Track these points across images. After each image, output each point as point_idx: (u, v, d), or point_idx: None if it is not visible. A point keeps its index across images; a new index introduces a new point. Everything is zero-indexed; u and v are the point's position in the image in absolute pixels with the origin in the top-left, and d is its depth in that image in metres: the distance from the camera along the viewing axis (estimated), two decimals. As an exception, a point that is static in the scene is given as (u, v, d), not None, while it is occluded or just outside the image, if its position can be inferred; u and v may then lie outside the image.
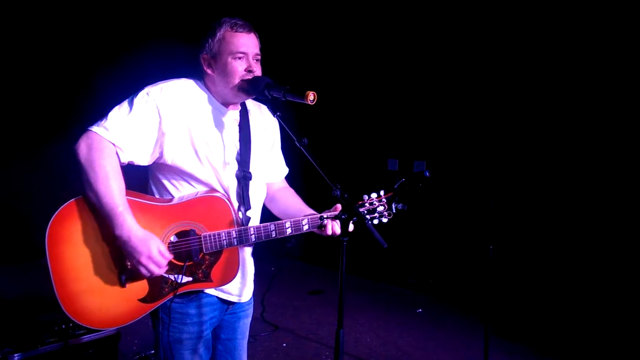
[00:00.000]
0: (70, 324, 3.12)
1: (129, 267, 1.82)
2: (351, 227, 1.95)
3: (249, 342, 4.08)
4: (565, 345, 4.13)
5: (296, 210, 2.10)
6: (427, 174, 2.21)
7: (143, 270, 1.78)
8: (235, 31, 1.91)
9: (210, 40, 1.92)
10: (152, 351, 3.66)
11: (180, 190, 1.94)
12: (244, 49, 1.91)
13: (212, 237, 1.89)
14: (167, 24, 5.32)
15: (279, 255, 6.52)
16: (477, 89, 5.07)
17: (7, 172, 4.66)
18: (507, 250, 4.42)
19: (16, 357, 2.86)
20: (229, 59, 1.90)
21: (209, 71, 1.95)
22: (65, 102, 4.77)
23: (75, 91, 4.81)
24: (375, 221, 2.11)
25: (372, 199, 2.12)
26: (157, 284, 1.87)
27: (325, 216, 2.00)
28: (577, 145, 4.48)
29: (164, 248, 1.81)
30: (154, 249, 1.77)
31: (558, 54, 4.52)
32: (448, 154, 5.25)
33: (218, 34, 1.91)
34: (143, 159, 1.88)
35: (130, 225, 1.76)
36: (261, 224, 1.97)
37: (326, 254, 6.14)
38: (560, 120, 4.57)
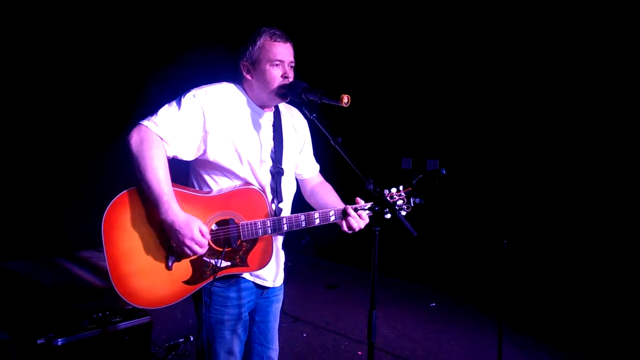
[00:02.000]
0: (107, 312, 3.32)
1: (175, 249, 2.00)
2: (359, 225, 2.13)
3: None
4: (579, 339, 4.21)
5: (332, 205, 2.29)
6: (444, 171, 2.39)
7: (187, 251, 1.96)
8: (274, 40, 2.10)
9: (250, 48, 2.11)
10: (182, 339, 3.86)
11: (219, 184, 2.13)
12: (281, 57, 2.10)
13: (249, 226, 2.07)
14: (211, 32, 5.64)
15: (294, 251, 6.69)
16: (489, 86, 5.16)
17: (56, 173, 4.90)
18: (521, 244, 4.51)
19: (60, 342, 3.05)
20: (267, 66, 2.09)
21: (248, 77, 2.14)
22: (120, 104, 5.06)
23: (130, 92, 5.10)
24: None
25: (392, 193, 2.30)
26: (200, 267, 2.05)
27: (354, 207, 2.18)
28: (592, 140, 4.55)
29: (205, 229, 1.99)
30: (195, 231, 1.95)
31: (575, 49, 4.59)
32: (461, 152, 5.36)
33: (258, 43, 2.10)
34: (187, 154, 2.07)
35: (175, 210, 1.95)
36: (292, 215, 2.16)
37: (339, 251, 6.31)
38: (575, 115, 4.64)
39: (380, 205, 1.92)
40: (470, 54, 5.29)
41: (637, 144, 4.32)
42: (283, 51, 2.11)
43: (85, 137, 5.04)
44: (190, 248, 1.96)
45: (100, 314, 3.30)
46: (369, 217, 2.19)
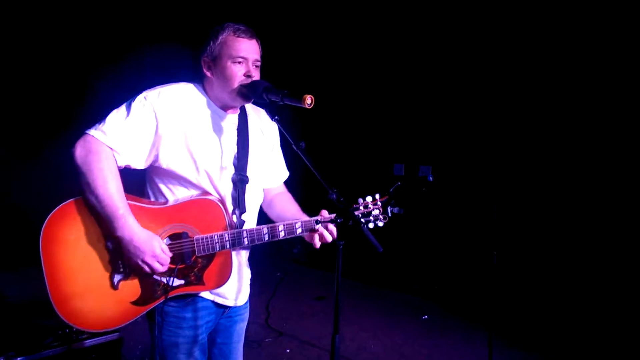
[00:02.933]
0: (75, 329, 3.15)
1: (129, 267, 1.83)
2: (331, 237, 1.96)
3: (252, 347, 4.12)
4: (572, 352, 4.06)
5: (291, 216, 2.10)
6: (431, 178, 2.21)
7: (146, 268, 1.81)
8: (237, 36, 1.93)
9: (212, 43, 1.94)
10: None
11: (175, 194, 1.95)
12: (244, 54, 1.92)
13: (204, 240, 1.89)
14: (167, 28, 5.35)
15: (285, 260, 6.51)
16: (481, 93, 5.04)
17: (8, 174, 4.70)
18: (512, 256, 4.37)
19: (19, 361, 2.89)
20: (229, 63, 1.91)
21: (208, 74, 1.96)
22: (64, 105, 4.80)
23: (75, 93, 4.84)
24: (371, 225, 2.10)
25: (367, 202, 2.10)
26: (150, 287, 1.87)
27: (319, 219, 2.00)
28: (582, 149, 4.44)
29: (165, 246, 1.84)
30: (157, 248, 1.81)
31: (561, 57, 4.48)
32: (454, 159, 5.22)
33: (220, 38, 1.93)
34: (139, 163, 1.90)
35: (132, 226, 1.79)
36: (254, 227, 1.97)
37: (332, 260, 6.12)
38: (564, 124, 4.53)
39: (343, 217, 1.74)
40: (463, 61, 5.16)
41: (628, 152, 4.17)
42: (247, 48, 1.93)
43: (41, 138, 4.74)
44: (150, 266, 1.80)
45: (67, 330, 3.14)
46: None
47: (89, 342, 3.16)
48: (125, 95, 1.94)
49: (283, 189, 2.30)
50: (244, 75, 1.92)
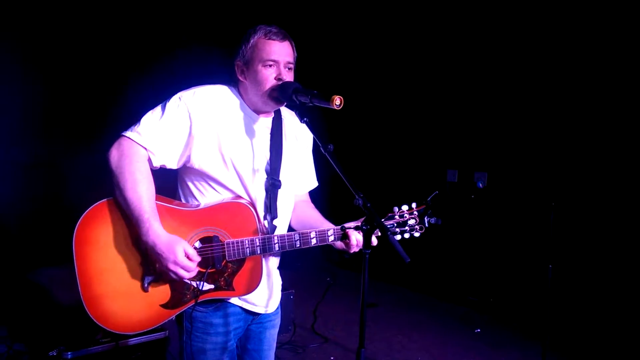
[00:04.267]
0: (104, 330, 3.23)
1: (157, 271, 1.83)
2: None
3: (298, 352, 4.10)
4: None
5: (314, 222, 2.06)
6: (480, 185, 2.08)
7: (172, 275, 1.79)
8: (269, 39, 1.89)
9: (244, 47, 1.92)
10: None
11: (205, 196, 1.94)
12: (275, 57, 1.88)
13: (235, 245, 1.86)
14: (203, 30, 5.40)
15: (337, 266, 6.44)
16: (542, 95, 4.77)
17: (65, 172, 4.87)
18: (568, 269, 4.10)
19: (69, 355, 3.01)
20: (260, 67, 1.88)
21: (241, 78, 1.94)
22: (101, 107, 4.92)
23: (112, 96, 4.96)
24: (406, 235, 2.01)
25: (403, 211, 2.01)
26: (180, 290, 1.87)
27: (349, 225, 1.92)
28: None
29: (192, 251, 1.80)
30: (179, 254, 1.77)
31: (628, 63, 4.18)
32: (509, 166, 4.97)
33: (252, 41, 1.90)
34: (172, 162, 1.90)
35: (156, 231, 1.77)
36: (285, 233, 1.93)
37: (384, 267, 6.00)
38: (629, 131, 4.22)
39: (369, 224, 1.65)
40: (523, 61, 4.91)
41: None
42: (278, 50, 1.89)
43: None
44: (175, 273, 1.78)
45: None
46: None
47: (134, 340, 3.25)
48: (163, 96, 1.94)
49: (306, 197, 2.25)
50: (275, 78, 1.89)
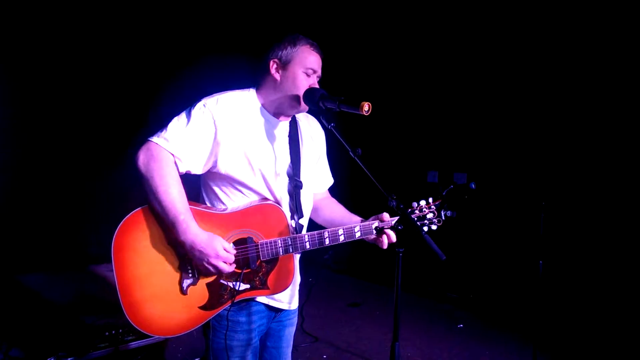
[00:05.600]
0: (120, 330, 3.20)
1: (197, 271, 1.87)
2: (393, 237, 1.97)
3: (290, 352, 4.12)
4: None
5: (341, 218, 2.15)
6: (473, 186, 2.20)
7: (213, 270, 1.85)
8: (313, 49, 2.01)
9: (288, 48, 1.99)
10: (197, 359, 3.71)
11: (232, 199, 1.99)
12: (315, 67, 1.99)
13: (269, 245, 1.92)
14: (221, 39, 5.53)
15: (316, 266, 6.51)
16: (522, 95, 4.95)
17: (68, 181, 4.83)
18: (558, 265, 4.27)
19: (69, 361, 2.96)
20: (300, 71, 1.97)
21: (275, 76, 2.00)
22: (132, 112, 4.97)
23: (142, 102, 5.00)
24: (425, 228, 2.11)
25: (422, 206, 2.12)
26: (217, 291, 1.90)
27: (379, 226, 2.00)
28: (636, 154, 4.30)
29: (228, 245, 1.87)
30: (219, 248, 1.84)
31: (618, 60, 4.37)
32: (491, 165, 5.15)
33: (298, 46, 1.99)
34: (198, 168, 1.94)
35: (194, 230, 1.82)
36: (315, 231, 1.99)
37: (364, 266, 6.11)
38: (615, 129, 4.41)
39: (404, 224, 1.74)
40: (503, 63, 5.09)
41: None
42: (318, 62, 2.02)
43: (102, 146, 4.94)
44: (215, 267, 1.84)
45: (113, 332, 3.20)
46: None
47: (134, 344, 3.23)
48: (185, 102, 1.98)
49: (327, 194, 2.35)
50: (309, 86, 1.98)
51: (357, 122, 6.23)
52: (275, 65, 2.00)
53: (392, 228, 1.96)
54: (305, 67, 1.97)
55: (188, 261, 1.87)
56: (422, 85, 5.75)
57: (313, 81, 2.00)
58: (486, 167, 5.20)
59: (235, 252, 1.89)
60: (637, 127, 4.30)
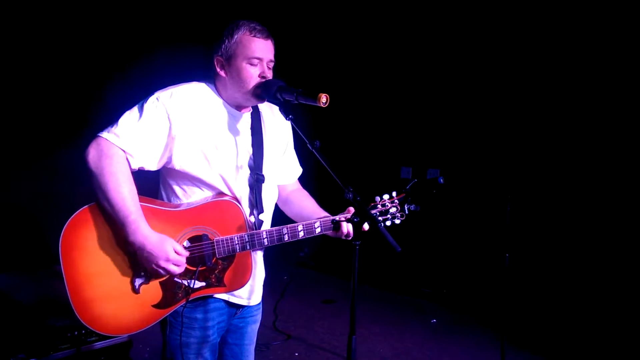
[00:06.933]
0: (83, 331, 3.13)
1: (147, 271, 1.82)
2: (366, 227, 1.93)
3: (261, 350, 4.10)
4: (585, 357, 4.02)
5: (310, 213, 2.09)
6: (442, 180, 2.19)
7: (162, 273, 1.80)
8: (254, 36, 1.90)
9: (226, 42, 1.91)
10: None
11: (189, 195, 1.94)
12: (260, 55, 1.90)
13: (224, 242, 1.88)
14: (176, 27, 5.31)
15: (292, 263, 6.48)
16: (491, 93, 5.00)
17: (22, 177, 4.67)
18: (524, 258, 4.33)
19: (30, 363, 2.88)
20: (244, 64, 1.89)
21: (221, 73, 1.93)
22: (78, 107, 4.75)
23: (88, 95, 4.79)
24: (388, 222, 2.09)
25: (385, 200, 2.09)
26: (171, 290, 1.86)
27: (337, 219, 1.98)
28: (596, 148, 4.37)
29: (179, 247, 1.82)
30: (170, 251, 1.79)
31: (576, 54, 4.44)
32: (463, 161, 5.18)
33: (235, 37, 1.90)
34: (152, 164, 1.89)
35: (144, 230, 1.77)
36: (274, 228, 1.96)
37: (339, 263, 6.09)
38: (578, 123, 4.49)
39: (360, 216, 1.71)
40: (471, 61, 5.14)
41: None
42: (262, 48, 1.91)
43: (63, 139, 4.71)
44: (166, 269, 1.79)
45: (75, 333, 3.12)
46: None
47: (98, 345, 3.15)
48: (137, 95, 1.92)
49: (298, 185, 2.29)
50: (259, 76, 1.90)
51: (329, 117, 6.25)
52: (219, 63, 1.93)
53: (348, 221, 1.92)
54: (247, 57, 1.88)
55: (138, 259, 1.82)
56: (396, 82, 5.75)
57: (262, 69, 1.90)
58: (458, 163, 5.23)
59: (187, 253, 1.84)
60: (602, 118, 4.37)
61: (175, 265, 1.79)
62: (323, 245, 6.28)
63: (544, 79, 4.67)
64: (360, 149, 6.09)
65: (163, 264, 1.77)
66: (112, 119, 1.86)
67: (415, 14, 5.47)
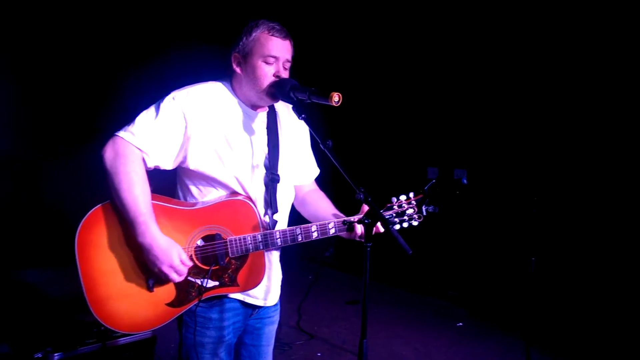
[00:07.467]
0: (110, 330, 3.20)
1: (150, 271, 1.84)
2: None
3: (284, 350, 4.12)
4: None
5: (326, 214, 2.07)
6: (465, 181, 2.13)
7: (163, 278, 1.82)
8: (271, 35, 1.90)
9: (244, 39, 1.92)
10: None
11: (205, 195, 1.95)
12: (276, 53, 1.90)
13: (237, 241, 1.88)
14: (193, 28, 5.36)
15: (317, 263, 6.48)
16: (519, 92, 4.87)
17: (55, 173, 4.78)
18: (551, 262, 4.19)
19: (56, 357, 2.95)
20: (259, 62, 1.89)
21: (238, 70, 1.94)
22: (95, 106, 4.84)
23: (106, 95, 4.86)
24: (405, 224, 2.04)
25: (401, 202, 2.04)
26: (184, 289, 1.88)
27: (348, 220, 1.95)
28: (631, 151, 4.20)
29: (185, 256, 1.84)
30: (175, 258, 1.80)
31: (614, 54, 4.27)
32: (490, 162, 5.07)
33: (254, 34, 1.91)
34: (168, 163, 1.90)
35: (153, 233, 1.79)
36: (287, 228, 1.95)
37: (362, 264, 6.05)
38: (608, 125, 4.33)
39: (371, 217, 1.68)
40: (500, 58, 5.01)
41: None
42: (279, 47, 1.91)
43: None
44: (166, 275, 1.81)
45: (102, 328, 3.18)
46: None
47: (122, 340, 3.22)
48: (155, 95, 1.94)
49: (314, 186, 2.27)
50: (274, 75, 1.90)
51: (355, 117, 6.21)
52: (236, 60, 1.94)
53: (359, 222, 1.89)
54: (263, 55, 1.88)
55: (144, 260, 1.84)
56: (422, 82, 5.68)
57: (277, 69, 1.90)
58: (485, 164, 5.12)
59: (191, 264, 1.85)
60: (631, 123, 4.20)
61: (176, 273, 1.81)
62: (348, 246, 6.26)
63: (576, 77, 4.51)
64: (386, 149, 6.04)
65: (165, 269, 1.79)
66: (129, 118, 1.89)
67: (447, 16, 5.38)
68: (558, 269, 4.48)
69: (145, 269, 1.84)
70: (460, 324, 4.74)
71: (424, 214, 2.08)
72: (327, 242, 6.74)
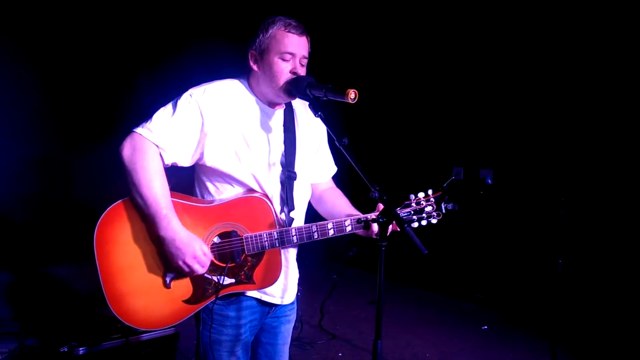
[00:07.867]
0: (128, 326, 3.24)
1: (174, 267, 1.85)
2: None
3: (305, 349, 4.11)
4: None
5: (342, 212, 2.05)
6: (489, 181, 2.08)
7: (187, 270, 1.82)
8: (288, 31, 1.89)
9: (261, 36, 1.91)
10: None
11: (221, 192, 1.95)
12: (292, 50, 1.88)
13: (253, 238, 1.88)
14: (211, 25, 5.37)
15: (341, 263, 6.46)
16: (549, 91, 4.76)
17: (80, 171, 4.85)
18: (578, 264, 4.09)
19: (81, 351, 3.02)
20: (276, 58, 1.88)
21: (254, 67, 1.94)
22: (113, 103, 4.88)
23: (123, 92, 4.91)
24: (424, 222, 2.01)
25: (420, 199, 2.01)
26: (201, 286, 1.88)
27: (363, 218, 1.92)
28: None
29: (206, 248, 1.84)
30: (197, 249, 1.81)
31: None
32: (517, 162, 4.96)
33: (270, 31, 1.90)
34: (185, 160, 1.91)
35: (175, 226, 1.80)
36: (303, 225, 1.94)
37: (389, 264, 6.00)
38: (638, 125, 4.20)
39: (386, 216, 1.65)
40: (528, 58, 4.90)
41: None
42: (296, 43, 1.89)
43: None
44: (190, 267, 1.81)
45: (126, 323, 3.24)
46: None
47: (145, 336, 3.26)
48: (173, 92, 1.95)
49: (332, 184, 2.25)
50: (290, 72, 1.89)
51: (382, 116, 6.15)
52: (253, 57, 1.94)
53: (374, 221, 1.86)
54: (280, 52, 1.87)
55: (166, 254, 1.85)
56: (449, 81, 5.60)
57: (294, 65, 1.89)
58: (511, 164, 5.01)
59: (212, 256, 1.86)
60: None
61: (199, 264, 1.81)
62: (372, 246, 6.21)
63: (607, 76, 4.39)
64: (412, 149, 5.98)
65: (189, 260, 1.79)
66: (147, 114, 1.90)
67: (467, 14, 5.31)
68: (586, 271, 4.36)
69: (164, 264, 1.85)
70: (486, 327, 4.65)
71: (443, 211, 2.04)
72: (350, 242, 6.71)
